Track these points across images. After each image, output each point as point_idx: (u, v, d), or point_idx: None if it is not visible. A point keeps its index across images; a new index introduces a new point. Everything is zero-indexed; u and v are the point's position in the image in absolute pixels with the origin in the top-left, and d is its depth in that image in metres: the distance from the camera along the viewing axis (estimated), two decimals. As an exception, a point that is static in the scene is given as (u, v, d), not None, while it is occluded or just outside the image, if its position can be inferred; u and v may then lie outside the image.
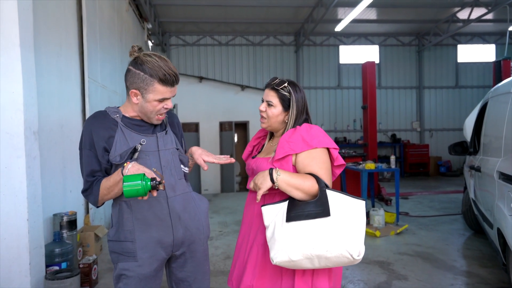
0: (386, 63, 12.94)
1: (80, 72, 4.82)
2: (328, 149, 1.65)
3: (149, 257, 1.60)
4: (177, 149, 1.74)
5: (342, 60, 12.86)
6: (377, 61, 12.86)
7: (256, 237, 1.68)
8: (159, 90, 1.55)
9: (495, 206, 3.15)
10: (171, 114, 1.82)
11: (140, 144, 1.59)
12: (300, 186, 1.54)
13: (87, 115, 4.85)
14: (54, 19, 4.10)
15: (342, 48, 12.88)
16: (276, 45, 12.57)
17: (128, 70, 1.58)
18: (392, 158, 6.19)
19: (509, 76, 8.43)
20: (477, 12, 10.05)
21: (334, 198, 1.51)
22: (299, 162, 1.63)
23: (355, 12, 8.60)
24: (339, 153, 1.72)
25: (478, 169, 3.91)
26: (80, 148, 1.60)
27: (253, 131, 10.29)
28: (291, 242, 1.47)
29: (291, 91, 1.74)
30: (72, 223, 3.81)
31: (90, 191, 1.59)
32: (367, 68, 8.01)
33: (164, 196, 1.62)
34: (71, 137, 4.47)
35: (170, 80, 1.55)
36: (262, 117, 1.78)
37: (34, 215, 2.96)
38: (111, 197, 1.59)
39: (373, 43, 12.90)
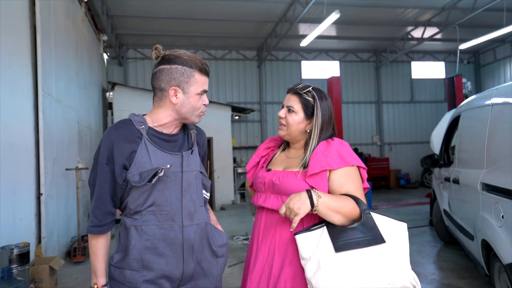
0: (347, 78, 13.29)
1: (33, 86, 4.35)
2: (358, 169, 1.50)
3: None
4: (201, 172, 1.54)
5: (305, 75, 13.04)
6: (337, 76, 13.20)
7: (283, 269, 1.44)
8: (200, 80, 1.46)
9: (480, 217, 3.13)
10: (199, 130, 1.68)
11: (165, 168, 1.41)
12: (341, 210, 1.35)
13: (41, 133, 4.38)
14: (3, 27, 3.66)
15: (304, 64, 13.07)
16: (239, 60, 12.50)
17: (160, 70, 1.45)
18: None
19: (462, 91, 8.92)
20: (429, 31, 10.68)
21: (378, 221, 1.35)
22: (334, 180, 1.44)
23: (320, 28, 8.73)
24: None
25: (455, 181, 3.93)
26: (96, 159, 1.44)
27: (217, 147, 10.02)
28: (346, 276, 1.26)
29: (316, 96, 1.55)
30: (23, 256, 3.34)
31: (90, 224, 1.46)
32: (332, 83, 8.07)
33: (180, 225, 1.45)
34: (22, 157, 3.98)
35: (207, 70, 1.49)
36: (280, 123, 1.60)
37: (-21, 251, 2.50)
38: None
39: (333, 58, 13.23)
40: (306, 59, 13.02)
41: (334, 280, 1.27)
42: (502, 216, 2.69)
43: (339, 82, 8.20)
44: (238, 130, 12.39)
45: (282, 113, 1.59)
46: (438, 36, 11.00)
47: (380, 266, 1.29)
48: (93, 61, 8.34)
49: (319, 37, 10.31)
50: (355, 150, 12.99)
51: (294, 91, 1.58)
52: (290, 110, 1.57)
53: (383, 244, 1.31)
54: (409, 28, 10.98)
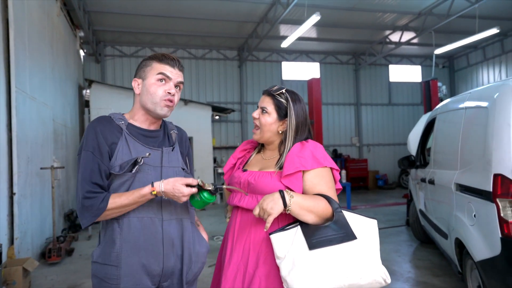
0: (326, 80, 13.43)
1: (6, 82, 4.20)
2: (331, 170, 1.55)
3: (133, 286, 1.44)
4: (183, 169, 1.57)
5: (285, 76, 13.11)
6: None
7: (258, 268, 1.47)
8: (157, 66, 1.50)
9: (453, 216, 3.23)
10: (180, 130, 1.73)
11: (144, 157, 1.45)
12: (314, 209, 1.39)
13: (14, 130, 4.23)
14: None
15: (285, 64, 13.14)
16: (220, 60, 12.44)
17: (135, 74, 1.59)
18: (343, 172, 6.29)
19: (437, 95, 9.18)
20: (407, 35, 10.95)
21: (349, 218, 1.41)
22: (307, 180, 1.48)
23: (301, 30, 8.79)
24: None
25: (431, 182, 4.04)
26: (81, 150, 1.45)
27: (197, 147, 9.94)
28: (320, 273, 1.31)
29: (289, 98, 1.59)
30: (-5, 258, 3.20)
31: (90, 209, 1.37)
32: (312, 84, 8.17)
33: (160, 218, 1.48)
34: (-7, 155, 3.83)
35: (169, 58, 1.52)
36: (255, 125, 1.64)
37: None
38: (118, 215, 1.42)
39: (314, 60, 13.35)
40: (287, 60, 13.09)
41: (308, 277, 1.31)
42: (474, 215, 2.78)
43: (319, 84, 8.31)
44: (218, 130, 12.34)
45: (256, 113, 1.63)
46: (415, 40, 11.29)
47: (352, 262, 1.34)
48: (69, 57, 8.12)
49: (300, 38, 10.40)
50: (335, 151, 13.16)
51: (268, 92, 1.62)
52: (263, 111, 1.61)
53: (354, 241, 1.36)
54: (387, 32, 11.21)
